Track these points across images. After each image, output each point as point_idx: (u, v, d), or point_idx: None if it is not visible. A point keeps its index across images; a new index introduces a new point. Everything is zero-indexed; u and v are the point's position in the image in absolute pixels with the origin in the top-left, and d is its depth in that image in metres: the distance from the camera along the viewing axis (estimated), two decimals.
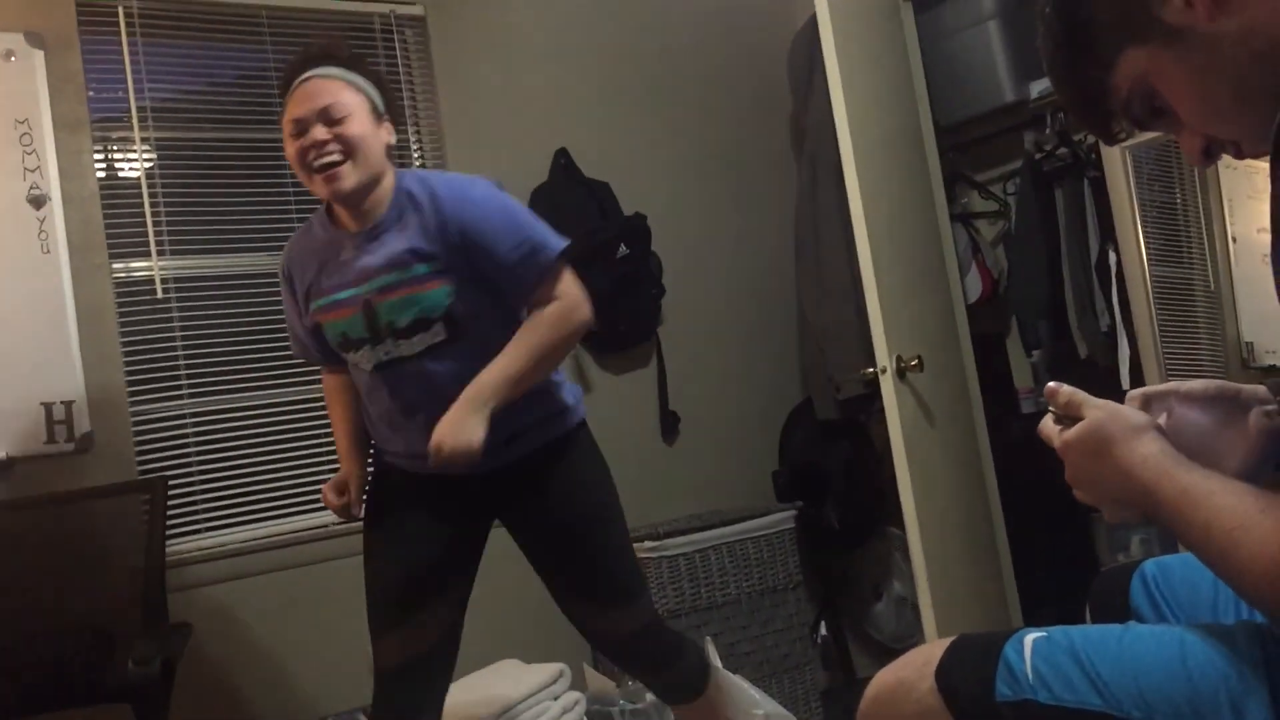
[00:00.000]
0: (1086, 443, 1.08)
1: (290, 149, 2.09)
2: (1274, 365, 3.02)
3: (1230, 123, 1.02)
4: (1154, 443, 1.05)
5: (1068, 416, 1.12)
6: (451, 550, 2.26)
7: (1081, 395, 1.11)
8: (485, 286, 2.12)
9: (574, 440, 2.27)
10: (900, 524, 3.08)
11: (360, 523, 2.31)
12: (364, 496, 2.29)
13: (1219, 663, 1.03)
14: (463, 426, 2.00)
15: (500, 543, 3.47)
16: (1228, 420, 1.16)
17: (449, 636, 2.26)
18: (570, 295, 2.13)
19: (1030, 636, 1.13)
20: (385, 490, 2.30)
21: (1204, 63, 0.99)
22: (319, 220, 2.23)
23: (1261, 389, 1.19)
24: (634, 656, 2.42)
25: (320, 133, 2.05)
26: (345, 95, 2.09)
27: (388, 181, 2.14)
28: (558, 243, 2.13)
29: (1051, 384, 1.13)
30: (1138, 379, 3.33)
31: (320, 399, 3.27)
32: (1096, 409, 1.09)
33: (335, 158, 2.05)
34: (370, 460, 2.34)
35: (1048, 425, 1.14)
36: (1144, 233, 3.14)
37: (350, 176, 2.06)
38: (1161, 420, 1.13)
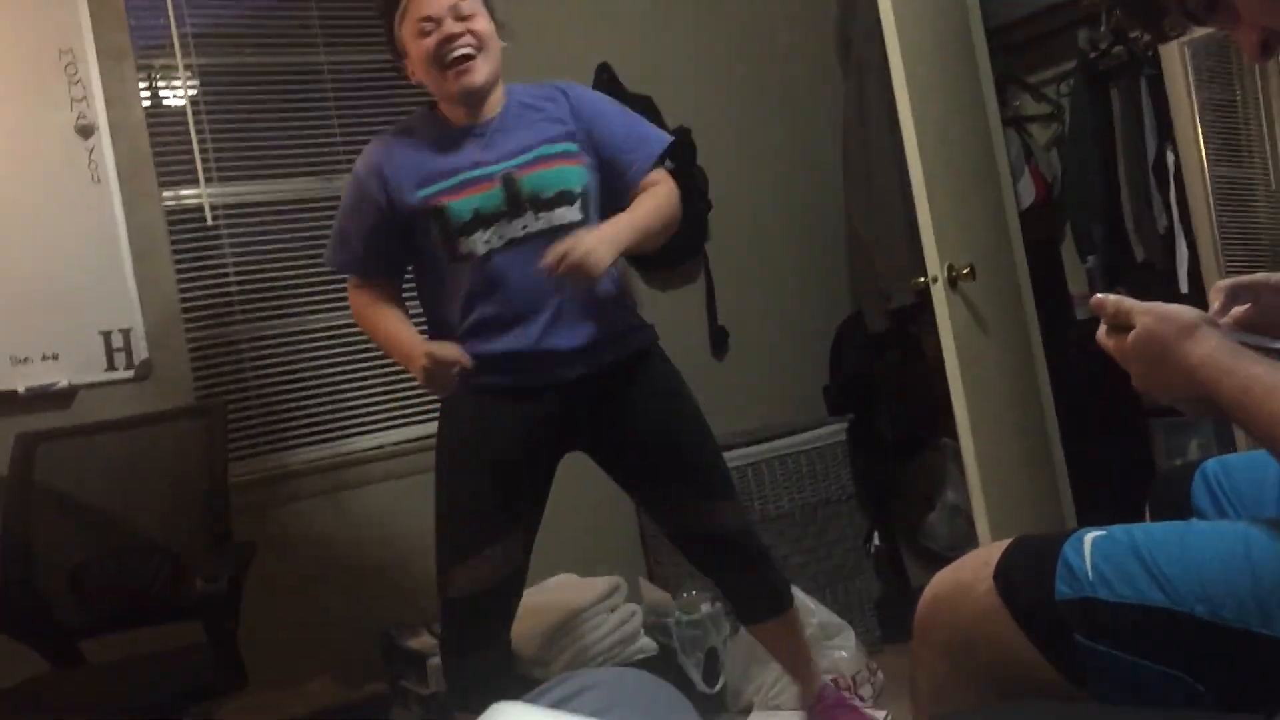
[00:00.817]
0: (1143, 349, 1.07)
1: (421, 45, 2.16)
2: None
3: None
4: (1208, 340, 1.03)
5: (1119, 326, 1.10)
6: (529, 482, 2.30)
7: (1129, 302, 1.09)
8: (602, 177, 2.29)
9: (656, 353, 2.38)
10: (953, 434, 3.06)
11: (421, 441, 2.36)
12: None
13: None
14: (596, 247, 2.08)
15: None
16: None
17: (521, 565, 2.31)
18: (672, 182, 2.33)
19: (1090, 535, 1.12)
20: (463, 421, 2.29)
21: None
22: (421, 120, 2.31)
23: None
24: (743, 555, 2.43)
25: (453, 26, 2.14)
26: None
27: (500, 84, 2.27)
28: (663, 135, 2.39)
29: (1098, 295, 1.12)
30: (1196, 282, 3.27)
31: None
32: (1145, 314, 1.07)
33: (469, 50, 2.15)
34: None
35: (1103, 336, 1.13)
36: (1203, 132, 3.06)
37: (482, 70, 2.17)
38: (1244, 309, 1.11)
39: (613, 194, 2.32)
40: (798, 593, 2.86)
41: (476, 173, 2.18)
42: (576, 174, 2.22)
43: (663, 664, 2.97)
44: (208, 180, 3.13)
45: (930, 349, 3.52)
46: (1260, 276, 1.17)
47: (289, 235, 3.29)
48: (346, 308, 3.26)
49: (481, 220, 2.16)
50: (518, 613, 2.37)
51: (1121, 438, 3.70)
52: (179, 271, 3.08)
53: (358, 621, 3.13)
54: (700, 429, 2.41)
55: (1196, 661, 1.04)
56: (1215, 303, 1.16)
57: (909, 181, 3.00)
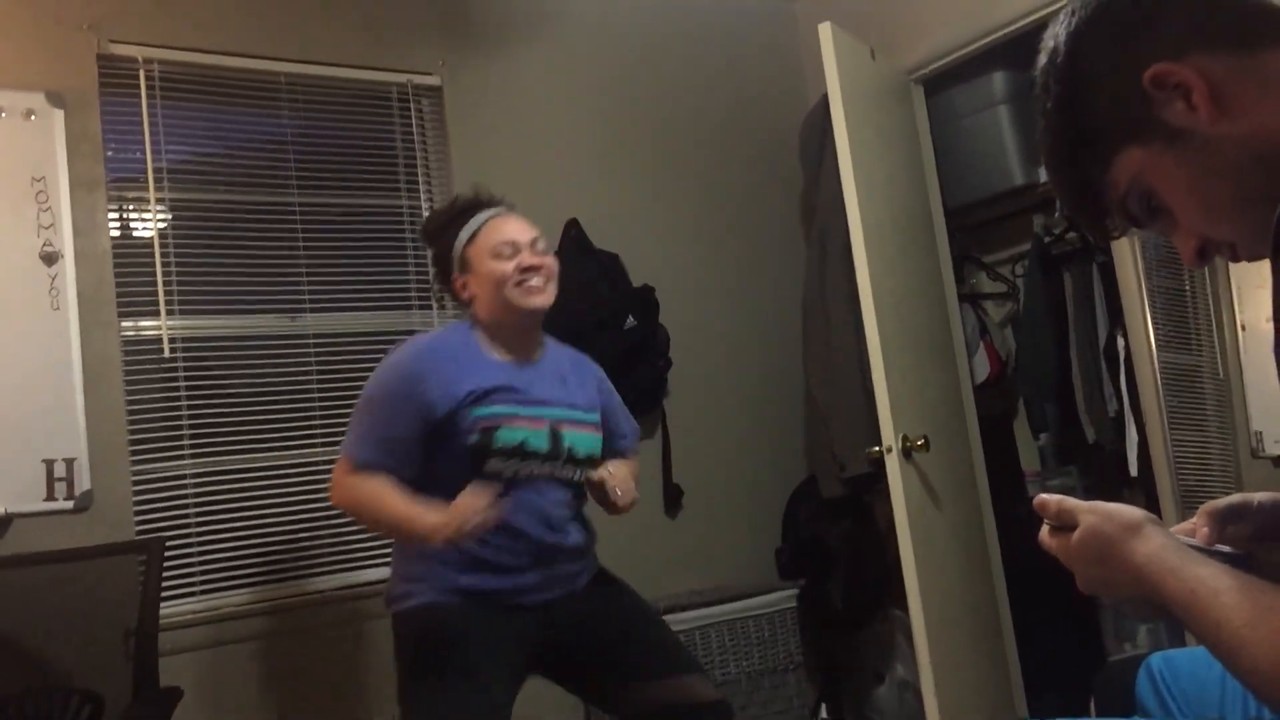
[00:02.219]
0: (1086, 548, 1.06)
1: (498, 266, 2.37)
2: None
3: (1228, 224, 1.01)
4: (1153, 539, 1.03)
5: (1063, 526, 1.10)
6: (512, 697, 2.33)
7: (1071, 502, 1.09)
8: None
9: (605, 570, 2.57)
10: (904, 606, 3.04)
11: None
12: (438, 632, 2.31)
13: None
14: (631, 487, 2.43)
15: None
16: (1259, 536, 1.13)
17: None
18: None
19: None
20: (451, 639, 2.28)
21: (1205, 165, 0.98)
22: (459, 338, 2.43)
23: None
24: None
25: (531, 257, 2.38)
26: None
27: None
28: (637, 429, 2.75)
29: (1040, 495, 1.11)
30: (1146, 465, 3.31)
31: (318, 461, 3.28)
32: (1089, 513, 1.07)
33: (543, 281, 2.40)
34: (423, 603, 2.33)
35: (1046, 536, 1.12)
36: (1152, 319, 3.14)
37: (549, 297, 2.41)
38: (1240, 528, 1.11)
39: None
40: None
41: (526, 411, 2.34)
42: (598, 443, 2.48)
43: None
44: (169, 312, 3.13)
45: (883, 518, 3.52)
46: (1238, 498, 1.17)
47: (247, 371, 3.27)
48: (295, 447, 3.26)
49: (525, 453, 2.32)
50: None
51: (1070, 618, 3.68)
52: (131, 402, 3.05)
53: None
54: (655, 613, 2.61)
55: None
56: (1204, 528, 1.14)
57: (866, 350, 3.05)
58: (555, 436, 2.36)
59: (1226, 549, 1.08)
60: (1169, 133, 0.98)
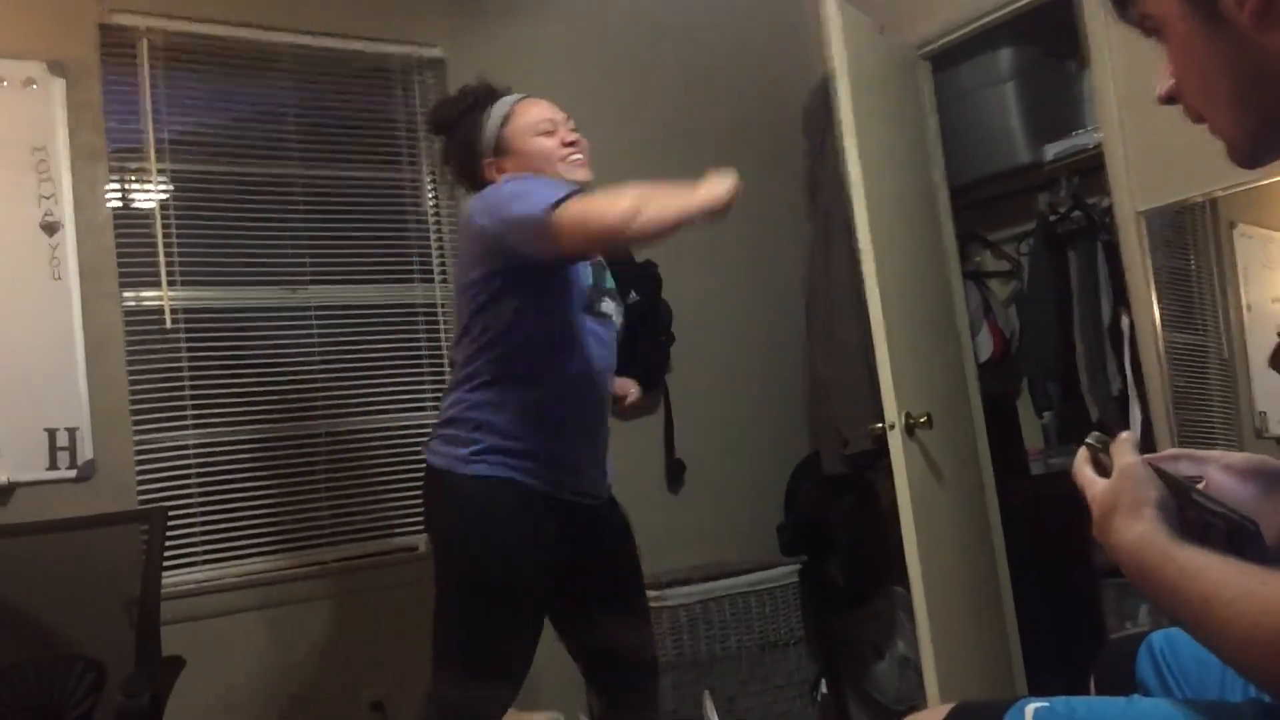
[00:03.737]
0: (1102, 502, 1.06)
1: (542, 142, 2.42)
2: None
3: (1215, 114, 1.01)
4: (1147, 520, 1.02)
5: (1103, 465, 1.09)
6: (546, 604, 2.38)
7: (1128, 446, 1.08)
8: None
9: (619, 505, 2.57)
10: (905, 583, 3.04)
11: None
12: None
13: None
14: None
15: None
16: (1266, 495, 1.13)
17: None
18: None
19: (1031, 706, 1.09)
20: (508, 532, 2.26)
21: (1224, 56, 0.97)
22: None
23: None
24: (654, 684, 2.55)
25: (571, 134, 2.45)
26: None
27: None
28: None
29: (1125, 433, 1.10)
30: (1149, 445, 3.30)
31: (319, 434, 3.29)
32: (1121, 470, 1.06)
33: (583, 155, 2.46)
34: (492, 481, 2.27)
35: (1083, 472, 1.11)
36: (1157, 298, 3.12)
37: (589, 173, 2.46)
38: (1202, 485, 1.10)
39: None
40: None
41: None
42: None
43: None
44: (170, 283, 3.12)
45: (885, 495, 3.52)
46: (1215, 454, 1.16)
47: (248, 342, 3.27)
48: (295, 419, 3.26)
49: (611, 294, 2.48)
50: None
51: (1071, 596, 3.69)
52: (132, 372, 3.05)
53: None
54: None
55: None
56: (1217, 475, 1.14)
57: (870, 328, 3.04)
58: (602, 269, 2.49)
59: (1238, 513, 1.07)
60: (1210, 12, 0.96)
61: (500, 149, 2.44)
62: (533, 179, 2.32)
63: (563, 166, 2.41)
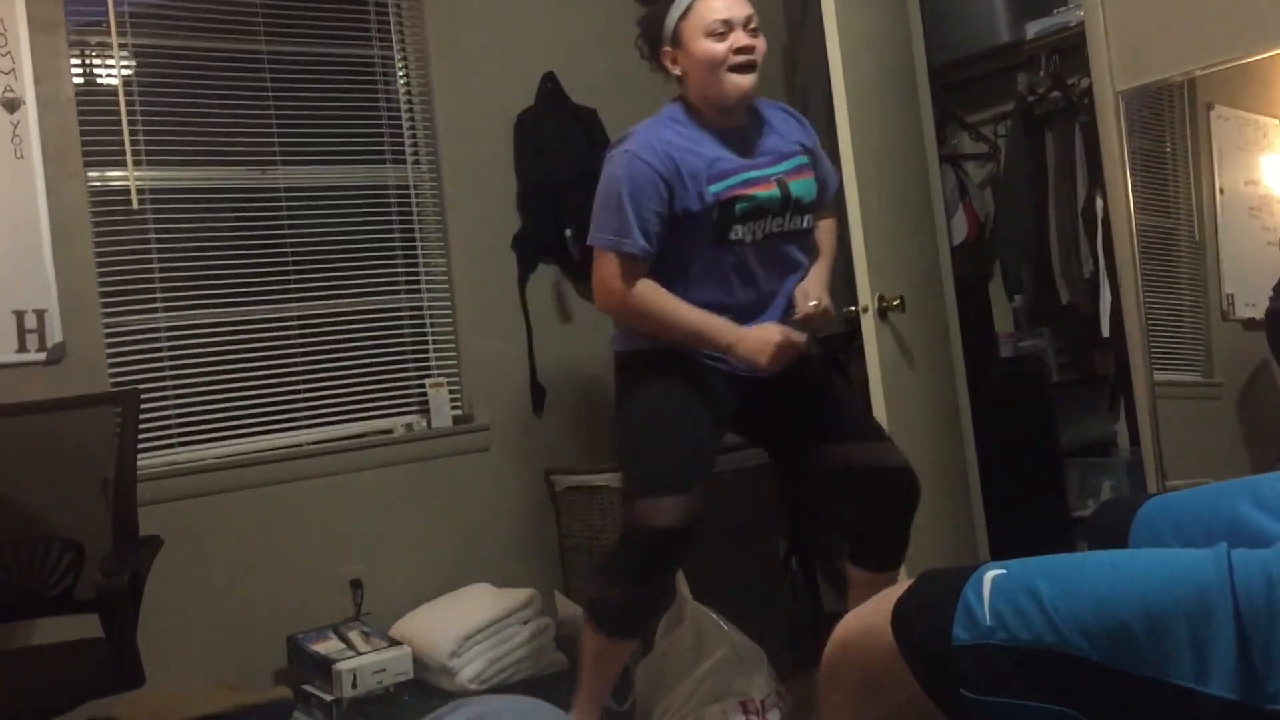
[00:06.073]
0: None
1: (711, 46, 2.37)
2: (1253, 318, 3.02)
3: None
4: None
5: None
6: (716, 446, 2.58)
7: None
8: None
9: None
10: None
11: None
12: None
13: (1179, 589, 1.01)
14: (828, 299, 2.52)
15: (472, 470, 3.48)
16: None
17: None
18: (834, 219, 2.78)
19: (991, 574, 1.11)
20: (679, 371, 2.45)
21: None
22: (675, 118, 2.48)
23: None
24: (913, 489, 2.60)
25: (744, 38, 2.39)
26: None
27: None
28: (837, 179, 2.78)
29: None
30: (1118, 327, 3.33)
31: (291, 317, 3.27)
32: None
33: (753, 59, 2.40)
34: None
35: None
36: (1132, 181, 3.12)
37: (755, 80, 2.42)
38: None
39: None
40: (713, 613, 2.86)
41: (757, 174, 2.43)
42: (814, 187, 2.54)
43: (573, 679, 2.93)
44: (136, 163, 3.06)
45: (857, 378, 3.54)
46: None
47: (217, 223, 3.23)
48: (269, 301, 3.24)
49: (763, 212, 2.43)
50: (423, 615, 2.42)
51: (1037, 476, 3.76)
52: (100, 254, 3.01)
53: (263, 624, 3.07)
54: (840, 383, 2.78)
55: (1088, 702, 1.02)
56: None
57: (845, 211, 3.02)
58: (784, 190, 2.45)
59: None
60: None
61: (676, 40, 2.44)
62: (619, 195, 2.36)
63: (726, 77, 2.38)
